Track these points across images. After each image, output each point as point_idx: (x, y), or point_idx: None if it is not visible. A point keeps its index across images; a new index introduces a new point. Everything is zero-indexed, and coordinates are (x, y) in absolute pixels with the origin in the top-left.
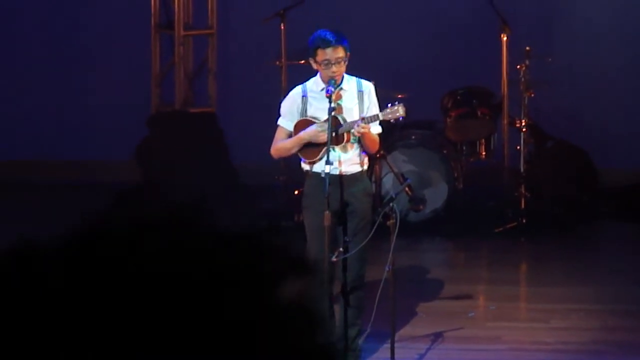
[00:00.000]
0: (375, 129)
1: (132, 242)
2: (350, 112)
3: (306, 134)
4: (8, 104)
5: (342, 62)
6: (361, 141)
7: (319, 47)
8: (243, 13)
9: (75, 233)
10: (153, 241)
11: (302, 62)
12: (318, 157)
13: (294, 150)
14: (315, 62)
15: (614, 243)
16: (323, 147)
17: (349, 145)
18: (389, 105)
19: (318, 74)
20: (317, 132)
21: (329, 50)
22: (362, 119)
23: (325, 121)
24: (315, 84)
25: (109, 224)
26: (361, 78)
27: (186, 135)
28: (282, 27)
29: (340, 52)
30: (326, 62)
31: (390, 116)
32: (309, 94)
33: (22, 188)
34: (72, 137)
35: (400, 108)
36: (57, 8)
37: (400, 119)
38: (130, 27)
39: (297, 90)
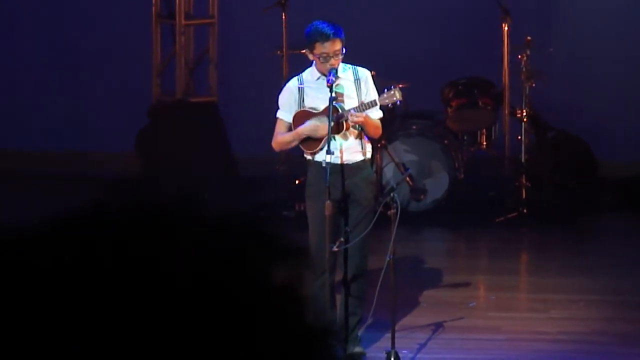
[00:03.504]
0: (377, 113)
1: (125, 228)
2: (349, 99)
3: (305, 128)
4: (6, 94)
5: (340, 55)
6: (363, 128)
7: (317, 41)
8: (244, 2)
9: (65, 218)
10: (146, 227)
11: (303, 51)
12: (319, 148)
13: (294, 144)
14: (313, 54)
15: (614, 234)
16: (323, 138)
17: (349, 132)
18: (386, 89)
19: (313, 64)
20: (315, 126)
21: (327, 44)
22: (360, 104)
23: (321, 113)
24: (310, 74)
25: (103, 211)
26: (358, 66)
27: (187, 125)
28: (283, 17)
29: (338, 45)
30: (324, 55)
31: (387, 101)
32: (305, 85)
33: (21, 178)
34: (71, 127)
35: (396, 92)
36: None
37: (398, 102)
38: (131, 16)
39: (294, 82)
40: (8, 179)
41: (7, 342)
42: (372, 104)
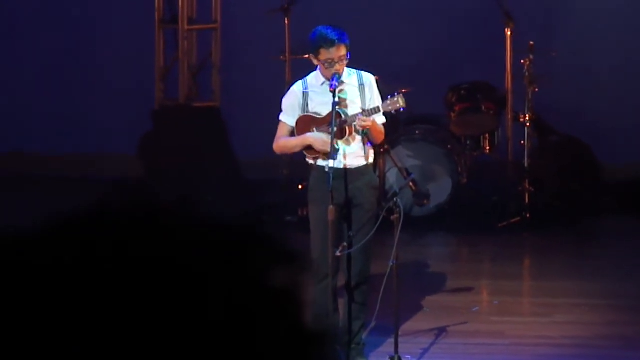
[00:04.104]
0: (380, 119)
1: (125, 229)
2: (353, 105)
3: (313, 139)
4: (9, 97)
5: (345, 60)
6: (367, 133)
7: (321, 47)
8: (247, 7)
9: (65, 219)
10: (146, 229)
11: (306, 56)
12: (321, 154)
13: (297, 150)
14: (318, 60)
15: (617, 238)
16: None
17: (351, 137)
18: (389, 96)
19: (318, 69)
20: (323, 142)
21: (332, 50)
22: (363, 111)
23: (326, 121)
24: (315, 79)
25: (104, 212)
26: (362, 71)
27: (190, 129)
28: (286, 22)
29: (343, 50)
30: (330, 61)
31: (390, 107)
32: (310, 89)
33: (23, 180)
34: (75, 130)
35: (400, 99)
36: (60, 2)
37: (402, 109)
38: (134, 21)
39: (298, 86)
40: (10, 181)
41: (7, 343)
42: (376, 110)
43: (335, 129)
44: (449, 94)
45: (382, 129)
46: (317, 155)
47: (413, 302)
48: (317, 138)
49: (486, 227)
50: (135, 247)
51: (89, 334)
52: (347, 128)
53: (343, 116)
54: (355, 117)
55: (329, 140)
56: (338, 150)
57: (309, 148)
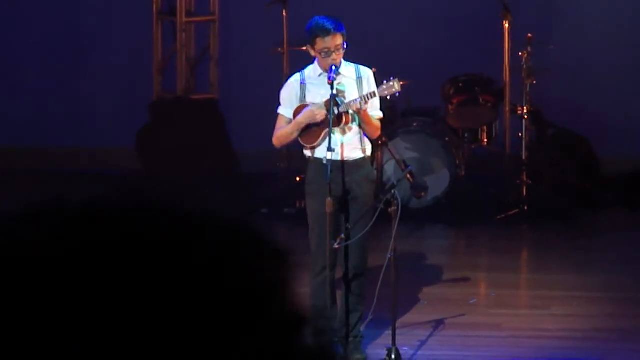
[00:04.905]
0: (377, 113)
1: (117, 224)
2: (350, 97)
3: (303, 117)
4: (7, 89)
5: (341, 49)
6: (362, 126)
7: (318, 36)
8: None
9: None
10: (137, 224)
11: (304, 48)
12: (318, 142)
13: (294, 136)
14: (314, 50)
15: (615, 230)
16: (322, 131)
17: (347, 128)
18: (385, 81)
19: (316, 61)
20: (312, 112)
21: (328, 39)
22: (361, 97)
23: (327, 114)
24: (313, 71)
25: (98, 206)
26: (360, 64)
27: (187, 122)
28: (284, 14)
29: (339, 40)
30: (326, 50)
31: (386, 92)
32: (307, 81)
33: (21, 175)
34: (72, 123)
35: (395, 83)
36: None
37: (397, 94)
38: (132, 13)
39: (296, 78)
40: (7, 174)
41: (5, 343)
42: (372, 95)
43: (332, 117)
44: (446, 86)
45: (379, 124)
46: (315, 145)
47: (411, 294)
48: (305, 113)
49: (484, 220)
50: (130, 241)
51: (83, 331)
52: (344, 116)
53: (339, 102)
54: (352, 102)
55: (318, 111)
56: (332, 134)
57: (306, 134)
